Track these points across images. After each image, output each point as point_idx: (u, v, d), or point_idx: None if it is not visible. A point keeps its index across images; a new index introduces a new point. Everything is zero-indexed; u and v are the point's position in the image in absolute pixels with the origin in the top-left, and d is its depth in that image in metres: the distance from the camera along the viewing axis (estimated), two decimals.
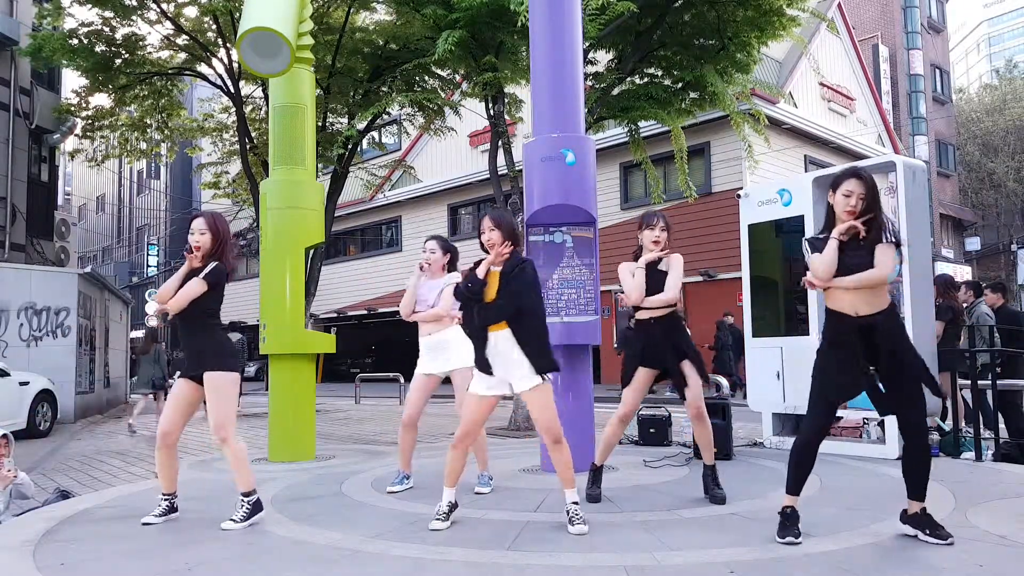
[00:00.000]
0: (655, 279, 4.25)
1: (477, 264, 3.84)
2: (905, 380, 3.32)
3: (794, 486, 3.40)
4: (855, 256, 3.34)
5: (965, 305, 7.28)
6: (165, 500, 4.13)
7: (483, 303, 3.76)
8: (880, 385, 3.39)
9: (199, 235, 4.06)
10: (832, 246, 3.37)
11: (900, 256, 3.44)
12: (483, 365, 3.80)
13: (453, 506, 3.87)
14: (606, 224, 17.36)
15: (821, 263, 3.35)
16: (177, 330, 4.13)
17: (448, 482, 3.86)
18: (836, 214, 3.41)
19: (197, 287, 3.95)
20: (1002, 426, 6.63)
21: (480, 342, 3.82)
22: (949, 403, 6.38)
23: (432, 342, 4.79)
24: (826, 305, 3.47)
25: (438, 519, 3.80)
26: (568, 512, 3.70)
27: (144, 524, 4.00)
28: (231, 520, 3.93)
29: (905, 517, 3.43)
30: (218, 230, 4.09)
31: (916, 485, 3.36)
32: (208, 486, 4.34)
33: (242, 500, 3.98)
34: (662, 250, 4.27)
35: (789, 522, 3.37)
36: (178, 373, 4.21)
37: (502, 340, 3.75)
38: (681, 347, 4.24)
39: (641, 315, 4.30)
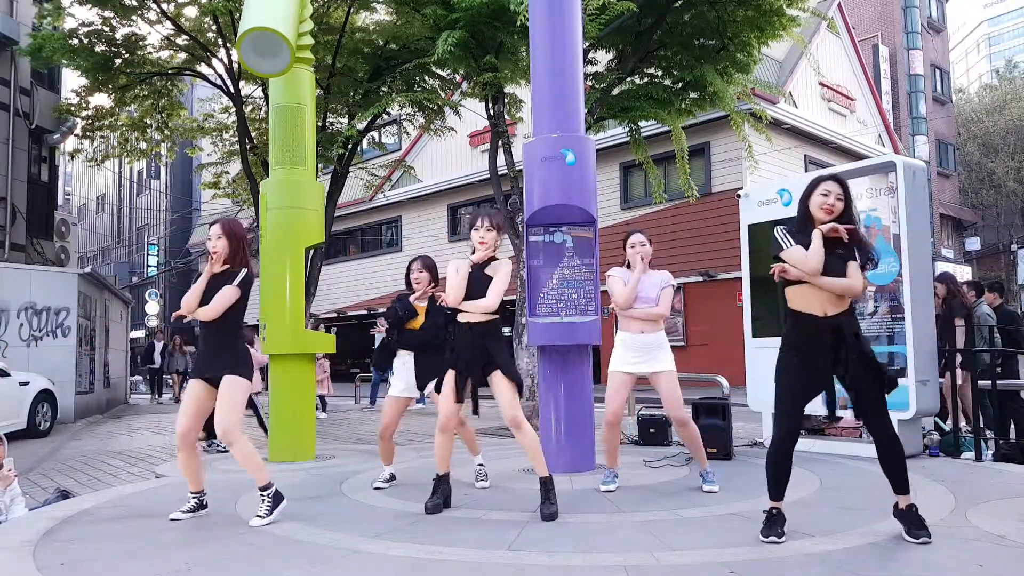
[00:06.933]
0: (480, 283, 4.12)
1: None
2: (872, 384, 3.34)
3: (776, 493, 3.40)
4: (829, 260, 3.36)
5: None
6: (194, 497, 4.17)
7: None
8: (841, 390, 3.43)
9: (215, 240, 4.09)
10: (818, 240, 3.38)
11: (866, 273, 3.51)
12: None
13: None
14: (606, 224, 17.34)
15: (815, 255, 3.35)
16: (201, 333, 4.15)
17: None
18: (812, 215, 3.45)
19: (231, 294, 3.98)
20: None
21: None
22: (949, 403, 6.38)
23: (641, 341, 4.61)
24: (790, 307, 3.46)
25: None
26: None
27: (172, 520, 4.05)
28: (257, 516, 3.95)
29: (896, 511, 3.47)
30: (232, 234, 4.11)
31: (896, 480, 3.40)
32: (208, 486, 4.36)
33: (261, 495, 3.99)
34: (488, 251, 4.16)
35: (774, 522, 3.38)
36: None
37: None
38: (492, 356, 4.08)
39: (461, 318, 4.18)
